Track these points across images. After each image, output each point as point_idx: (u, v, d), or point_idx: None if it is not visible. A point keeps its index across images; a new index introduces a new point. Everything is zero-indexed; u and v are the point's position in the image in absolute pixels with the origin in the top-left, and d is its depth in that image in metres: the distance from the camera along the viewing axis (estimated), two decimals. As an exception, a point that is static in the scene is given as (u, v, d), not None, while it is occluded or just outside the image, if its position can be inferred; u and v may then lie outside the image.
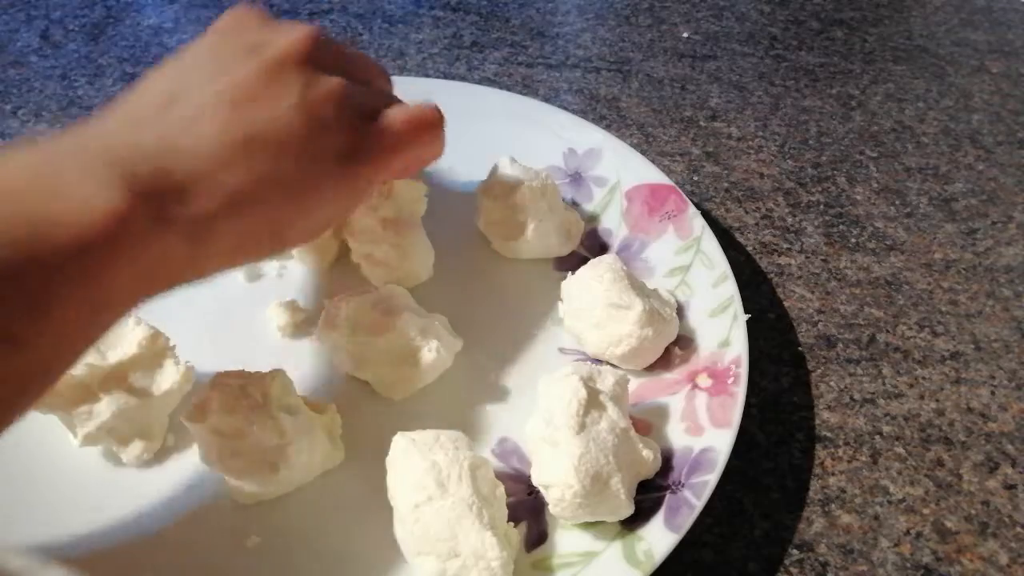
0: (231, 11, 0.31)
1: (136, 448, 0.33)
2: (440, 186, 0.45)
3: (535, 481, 0.31)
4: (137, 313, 0.34)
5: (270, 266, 0.42)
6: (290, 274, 0.41)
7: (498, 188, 0.40)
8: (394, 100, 0.33)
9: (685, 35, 0.63)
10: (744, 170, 0.51)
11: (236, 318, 0.39)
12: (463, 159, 0.45)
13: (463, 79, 0.57)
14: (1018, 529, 0.33)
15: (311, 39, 0.29)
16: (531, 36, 0.62)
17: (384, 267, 0.39)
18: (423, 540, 0.28)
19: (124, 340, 0.33)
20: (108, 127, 0.25)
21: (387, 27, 0.63)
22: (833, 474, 0.35)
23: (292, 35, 0.29)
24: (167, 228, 0.24)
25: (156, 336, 0.33)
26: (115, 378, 0.32)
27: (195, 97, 0.26)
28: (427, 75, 0.58)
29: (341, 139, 0.29)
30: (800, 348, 0.40)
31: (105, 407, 0.32)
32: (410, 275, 0.40)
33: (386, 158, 0.31)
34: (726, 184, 0.50)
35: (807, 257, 0.45)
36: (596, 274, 0.36)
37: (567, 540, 0.30)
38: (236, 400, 0.30)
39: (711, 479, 0.30)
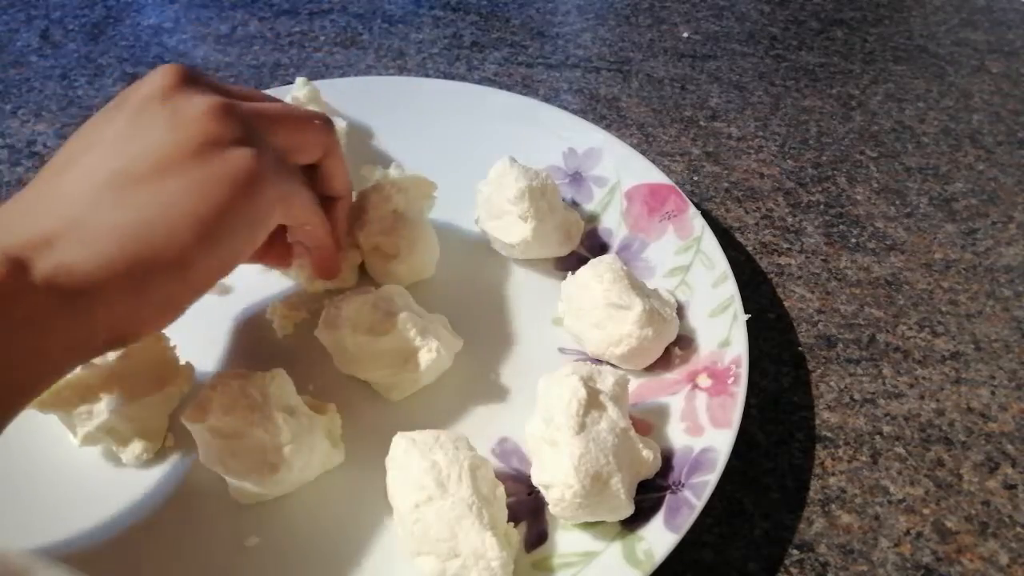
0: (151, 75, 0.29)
1: (136, 448, 0.33)
2: (440, 185, 0.45)
3: (535, 481, 0.31)
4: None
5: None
6: (291, 274, 0.41)
7: (498, 187, 0.40)
8: (281, 106, 0.32)
9: (685, 35, 0.63)
10: (744, 170, 0.51)
11: (236, 318, 0.39)
12: (463, 159, 0.45)
13: (463, 79, 0.57)
14: (1018, 529, 0.33)
15: (172, 72, 0.28)
16: (531, 36, 0.62)
17: (391, 259, 0.39)
18: (423, 540, 0.28)
19: (124, 340, 0.33)
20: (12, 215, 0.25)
21: (387, 27, 0.63)
22: (833, 474, 0.35)
23: (153, 74, 0.28)
24: (37, 285, 0.22)
25: (156, 336, 0.33)
26: (115, 378, 0.32)
27: (66, 162, 0.26)
28: (427, 75, 0.58)
29: (231, 155, 0.27)
30: (800, 348, 0.40)
31: (105, 407, 0.32)
32: (415, 269, 0.39)
33: (304, 195, 0.31)
34: (726, 184, 0.50)
35: (807, 257, 0.45)
36: (596, 274, 0.36)
37: (567, 540, 0.30)
38: (236, 400, 0.30)
39: (711, 479, 0.30)
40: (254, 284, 0.41)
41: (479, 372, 0.37)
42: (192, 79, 0.28)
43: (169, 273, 0.26)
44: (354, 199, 0.39)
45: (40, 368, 0.24)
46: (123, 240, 0.24)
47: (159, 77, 0.28)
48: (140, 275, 0.25)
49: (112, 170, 0.25)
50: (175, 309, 0.27)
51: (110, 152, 0.26)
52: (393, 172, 0.41)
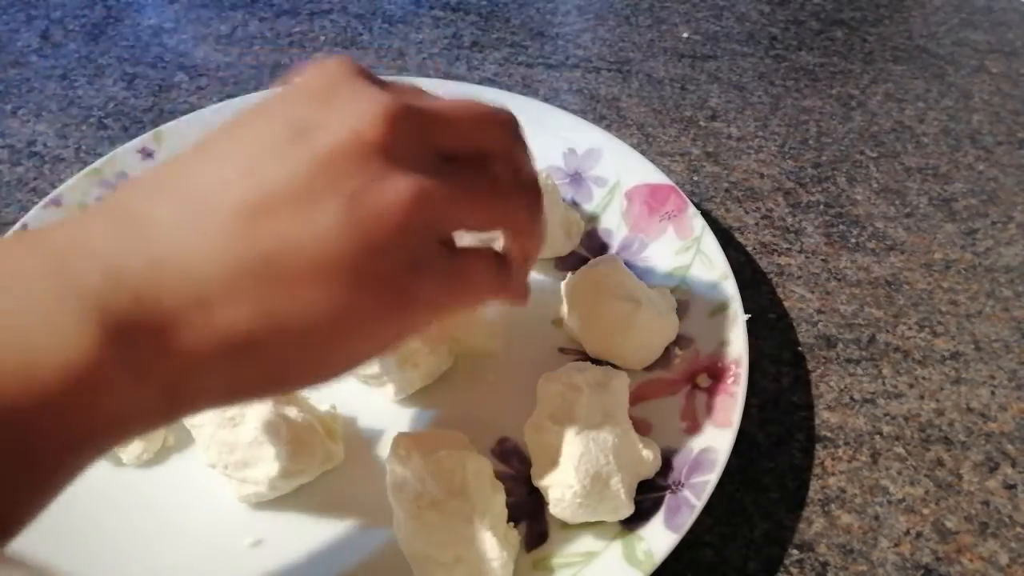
0: (316, 65, 0.23)
1: (136, 448, 0.33)
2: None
3: (535, 481, 0.31)
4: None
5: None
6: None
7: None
8: (520, 215, 0.25)
9: (685, 35, 0.63)
10: (744, 170, 0.51)
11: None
12: (463, 159, 0.45)
13: (463, 79, 0.57)
14: (1018, 529, 0.33)
15: (390, 118, 0.21)
16: (531, 36, 0.62)
17: None
18: (423, 540, 0.28)
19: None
20: (94, 235, 0.19)
21: (387, 27, 0.63)
22: (833, 474, 0.35)
23: (361, 112, 0.21)
24: (147, 371, 0.19)
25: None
26: (115, 378, 0.32)
27: (208, 200, 0.20)
28: (427, 75, 0.58)
29: (398, 275, 0.21)
30: (800, 348, 0.40)
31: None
32: None
33: (452, 304, 0.24)
34: (726, 184, 0.50)
35: (807, 257, 0.45)
36: (596, 274, 0.36)
37: (567, 540, 0.30)
38: (236, 400, 0.30)
39: (711, 479, 0.30)
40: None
41: (479, 372, 0.37)
42: (416, 122, 0.22)
43: (262, 379, 0.21)
44: None
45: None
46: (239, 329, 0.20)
47: (370, 117, 0.21)
48: (265, 386, 0.22)
49: (262, 256, 0.20)
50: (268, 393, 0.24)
51: (264, 215, 0.20)
52: None
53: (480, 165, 0.24)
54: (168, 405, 0.20)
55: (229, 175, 0.20)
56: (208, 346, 0.19)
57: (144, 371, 0.19)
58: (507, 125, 0.25)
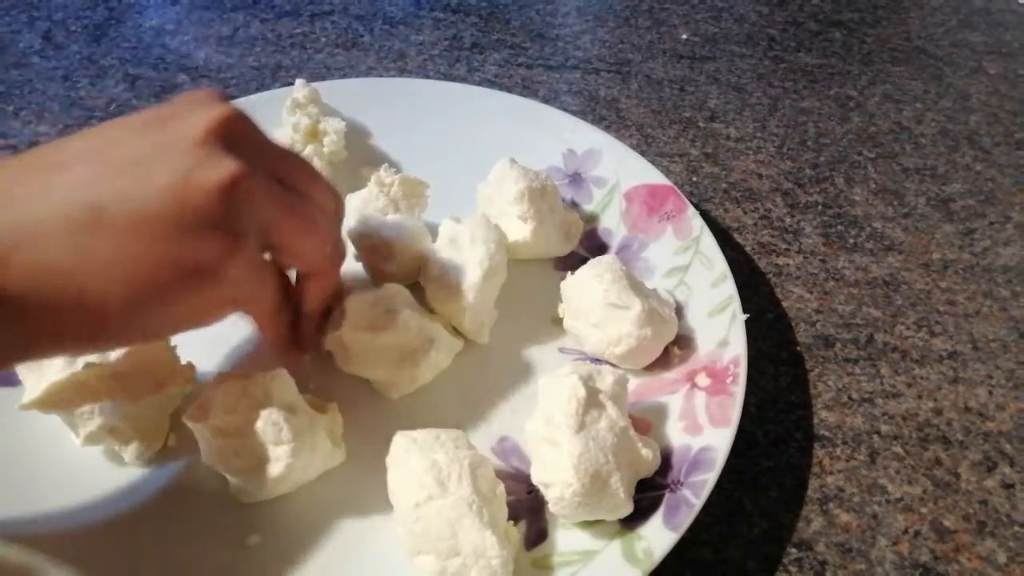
0: (183, 94, 0.27)
1: (137, 448, 0.33)
2: (440, 187, 0.45)
3: (535, 480, 0.31)
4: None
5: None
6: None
7: (498, 188, 0.40)
8: (320, 226, 0.29)
9: (684, 37, 0.63)
10: (743, 171, 0.51)
11: (236, 318, 0.40)
12: (463, 160, 0.45)
13: (463, 81, 0.57)
14: (1016, 528, 0.33)
15: (235, 116, 0.25)
16: (531, 38, 0.62)
17: (385, 259, 0.39)
18: (423, 539, 0.28)
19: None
20: None
21: (388, 29, 0.63)
22: (831, 473, 0.35)
23: (212, 110, 0.25)
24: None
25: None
26: (116, 378, 0.33)
27: (65, 161, 0.23)
28: (427, 77, 0.58)
29: (212, 249, 0.24)
30: (798, 348, 0.40)
31: (106, 407, 0.32)
32: (412, 269, 0.39)
33: (263, 299, 0.28)
34: (725, 185, 0.50)
35: (805, 257, 0.45)
36: (596, 274, 0.36)
37: (567, 539, 0.31)
38: (237, 400, 0.30)
39: (710, 478, 0.31)
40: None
41: (479, 371, 0.37)
42: (248, 129, 0.26)
43: (83, 325, 0.24)
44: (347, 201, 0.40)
45: None
46: (61, 272, 0.23)
47: (213, 114, 0.25)
48: (83, 333, 0.24)
49: (91, 205, 0.23)
50: (81, 349, 0.26)
51: (107, 174, 0.23)
52: (383, 173, 0.41)
53: (307, 195, 0.29)
54: (7, 346, 0.23)
55: (90, 146, 0.24)
56: (34, 280, 0.22)
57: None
58: (320, 181, 0.30)
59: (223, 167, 0.24)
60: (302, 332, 0.33)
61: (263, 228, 0.27)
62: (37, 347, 0.24)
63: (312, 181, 0.29)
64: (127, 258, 0.23)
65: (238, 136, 0.25)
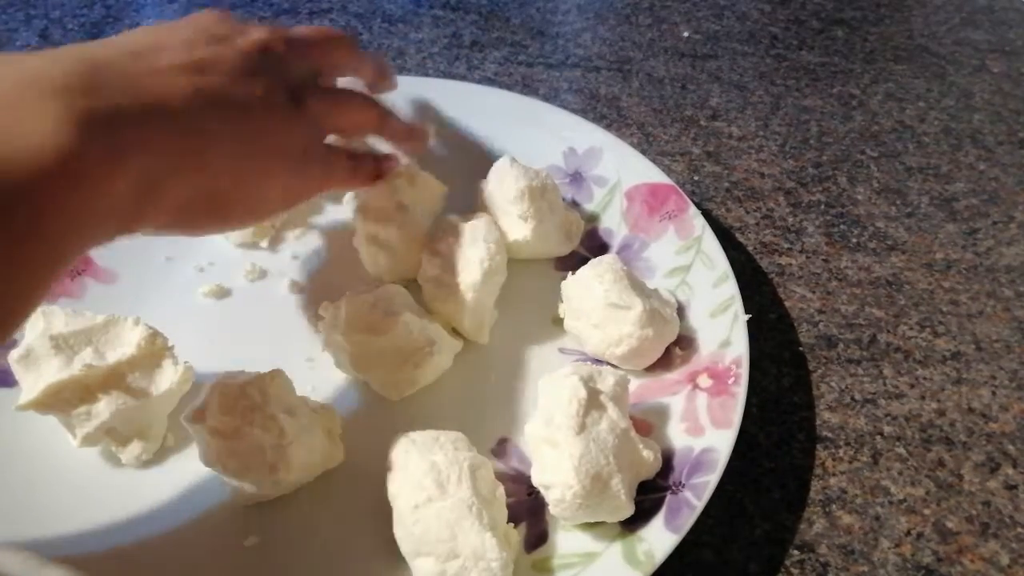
0: (200, 12, 0.32)
1: (135, 448, 0.33)
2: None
3: (535, 481, 0.30)
4: (137, 314, 0.34)
5: (272, 264, 0.42)
6: (291, 274, 0.41)
7: (498, 187, 0.40)
8: (389, 125, 0.37)
9: (685, 34, 0.63)
10: (745, 170, 0.51)
11: (236, 319, 0.39)
12: (463, 159, 0.45)
13: (463, 79, 0.57)
14: (1019, 530, 0.33)
15: (276, 36, 0.32)
16: (531, 36, 0.62)
17: (386, 250, 0.39)
18: (423, 541, 0.28)
19: (123, 340, 0.33)
20: (67, 63, 0.24)
21: (387, 27, 0.63)
22: (834, 474, 0.35)
23: (258, 30, 0.32)
24: (117, 172, 0.23)
25: (154, 336, 0.33)
26: (114, 378, 0.32)
27: (163, 58, 0.27)
28: (427, 75, 0.57)
29: (306, 136, 0.30)
30: (801, 348, 0.40)
31: (104, 408, 0.32)
32: (411, 266, 0.39)
33: (347, 175, 0.35)
34: (727, 184, 0.50)
35: (808, 257, 0.45)
36: (596, 274, 0.36)
37: (567, 541, 0.30)
38: (236, 400, 0.30)
39: (712, 479, 0.30)
40: (253, 286, 0.41)
41: (479, 372, 0.37)
42: (295, 40, 0.34)
43: (210, 199, 0.29)
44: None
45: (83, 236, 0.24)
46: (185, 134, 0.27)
47: (264, 34, 0.32)
48: (209, 210, 0.29)
49: (213, 101, 0.27)
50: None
51: (209, 77, 0.28)
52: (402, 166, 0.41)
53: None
54: (136, 206, 0.25)
55: (174, 47, 0.28)
56: (166, 158, 0.25)
57: (117, 162, 0.23)
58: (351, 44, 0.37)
59: (256, 32, 0.32)
60: (413, 134, 0.40)
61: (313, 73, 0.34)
62: (167, 215, 0.27)
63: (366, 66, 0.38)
64: (245, 152, 0.29)
65: (294, 49, 0.33)
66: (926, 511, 0.34)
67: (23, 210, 0.21)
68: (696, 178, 0.50)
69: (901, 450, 0.36)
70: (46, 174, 0.21)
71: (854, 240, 0.46)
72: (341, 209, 0.44)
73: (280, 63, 0.32)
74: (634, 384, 0.35)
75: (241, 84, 0.29)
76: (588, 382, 0.31)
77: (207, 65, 0.28)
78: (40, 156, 0.21)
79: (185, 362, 0.34)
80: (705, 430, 0.33)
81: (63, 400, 0.32)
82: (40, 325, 0.33)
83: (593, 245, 0.43)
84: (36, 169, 0.21)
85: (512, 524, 0.30)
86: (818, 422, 0.37)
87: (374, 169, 0.38)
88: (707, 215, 0.45)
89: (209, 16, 0.32)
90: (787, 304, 0.42)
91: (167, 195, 0.26)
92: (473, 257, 0.36)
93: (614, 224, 0.43)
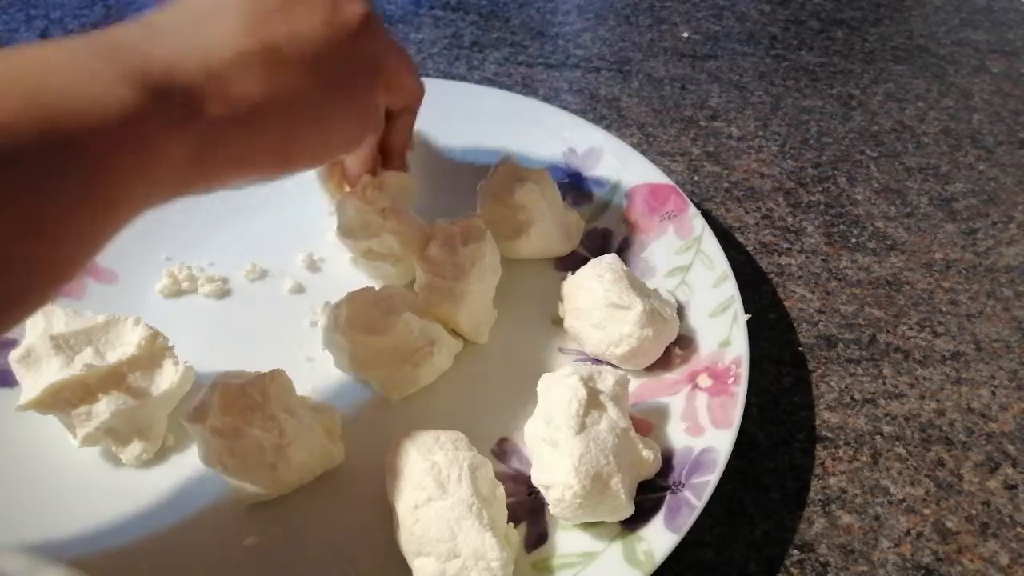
0: None
1: (135, 448, 0.33)
2: (440, 185, 0.45)
3: (535, 481, 0.30)
4: (137, 314, 0.34)
5: (272, 264, 0.42)
6: (291, 274, 0.41)
7: (498, 188, 0.40)
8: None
9: (685, 35, 0.63)
10: (744, 170, 0.51)
11: (236, 319, 0.39)
12: (463, 159, 0.45)
13: (463, 79, 0.57)
14: (1019, 529, 0.33)
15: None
16: (531, 36, 0.62)
17: (387, 259, 0.39)
18: (423, 540, 0.28)
19: (123, 340, 0.33)
20: (124, 32, 0.25)
21: (387, 27, 0.63)
22: (834, 474, 0.35)
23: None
24: (179, 129, 0.23)
25: (155, 336, 0.33)
26: (114, 378, 0.32)
27: (215, 6, 0.26)
28: (427, 75, 0.57)
29: (362, 65, 0.29)
30: (800, 348, 0.40)
31: (104, 407, 0.32)
32: (411, 267, 0.39)
33: (399, 85, 0.34)
34: (726, 184, 0.50)
35: (807, 257, 0.45)
36: (596, 274, 0.36)
37: (567, 540, 0.30)
38: (236, 400, 0.30)
39: (711, 479, 0.30)
40: (253, 286, 0.41)
41: (479, 372, 0.37)
42: None
43: (272, 151, 0.28)
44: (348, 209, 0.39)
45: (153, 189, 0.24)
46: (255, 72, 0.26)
47: None
48: (274, 157, 0.28)
49: (266, 44, 0.26)
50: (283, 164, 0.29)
51: (264, 14, 0.26)
52: (369, 192, 0.41)
53: None
54: (197, 166, 0.25)
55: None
56: (226, 110, 0.25)
57: (177, 126, 0.23)
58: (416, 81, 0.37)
59: (357, 6, 0.29)
60: (396, 157, 0.39)
61: (383, 59, 0.32)
62: (232, 170, 0.27)
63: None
64: (306, 91, 0.27)
65: None
66: (926, 511, 0.34)
67: (77, 169, 0.21)
68: (696, 178, 0.50)
69: (901, 450, 0.36)
70: (103, 134, 0.21)
71: (854, 240, 0.46)
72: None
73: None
74: (634, 384, 0.35)
75: (301, 19, 0.28)
76: (588, 382, 0.31)
77: (264, 4, 0.27)
78: (98, 117, 0.21)
79: (185, 362, 0.34)
80: (705, 430, 0.33)
81: (63, 400, 0.32)
82: (40, 325, 0.33)
83: (593, 245, 0.43)
84: (92, 130, 0.21)
85: (512, 524, 0.30)
86: (818, 422, 0.37)
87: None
88: (707, 215, 0.45)
89: None
90: (787, 304, 0.42)
91: (226, 152, 0.26)
92: (465, 258, 0.36)
93: (614, 224, 0.43)
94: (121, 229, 0.23)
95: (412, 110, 0.38)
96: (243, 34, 0.26)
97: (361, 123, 0.32)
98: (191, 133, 0.24)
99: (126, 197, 0.23)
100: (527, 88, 0.57)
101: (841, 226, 0.47)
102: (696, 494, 0.30)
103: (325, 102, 0.28)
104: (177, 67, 0.24)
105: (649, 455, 0.31)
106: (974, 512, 0.34)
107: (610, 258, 0.37)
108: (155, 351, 0.33)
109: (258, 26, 0.26)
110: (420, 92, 0.37)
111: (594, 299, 0.35)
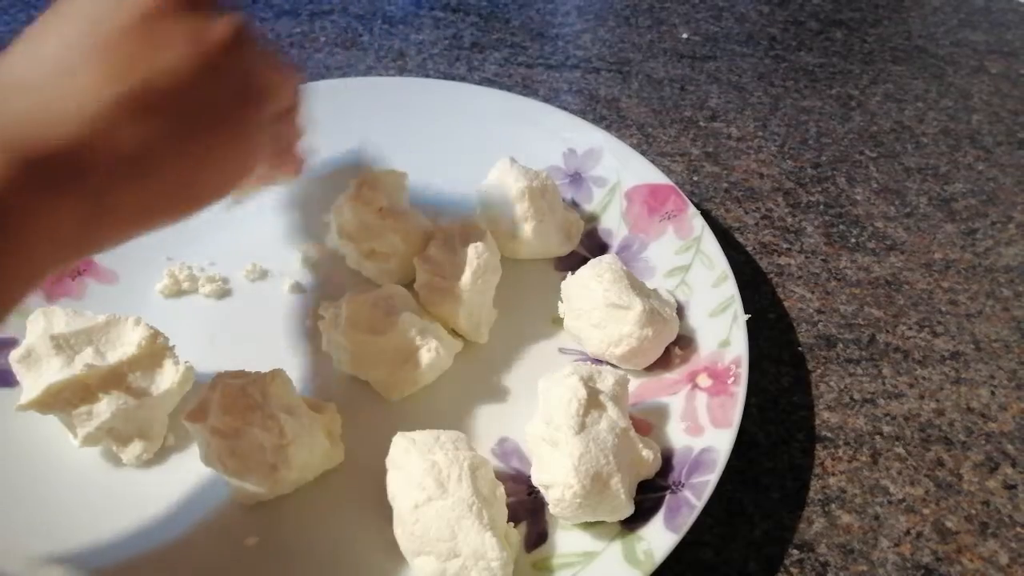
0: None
1: (136, 448, 0.33)
2: (440, 186, 0.45)
3: (535, 481, 0.31)
4: (137, 314, 0.34)
5: (272, 264, 0.42)
6: (291, 274, 0.41)
7: (498, 188, 0.40)
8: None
9: (685, 36, 0.63)
10: (744, 170, 0.51)
11: (236, 319, 0.39)
12: (463, 159, 0.45)
13: (463, 80, 0.57)
14: (1018, 529, 0.33)
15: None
16: (531, 37, 0.62)
17: (391, 258, 0.39)
18: (423, 540, 0.28)
19: (123, 340, 0.33)
20: None
21: (387, 28, 0.63)
22: (833, 474, 0.35)
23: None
24: (62, 195, 0.22)
25: (155, 336, 0.33)
26: (114, 378, 0.32)
27: (70, 54, 0.25)
28: (427, 76, 0.58)
29: (240, 86, 0.27)
30: (800, 348, 0.40)
31: (105, 407, 0.32)
32: (412, 266, 0.39)
33: (276, 93, 0.31)
34: (726, 184, 0.50)
35: (807, 257, 0.45)
36: (596, 274, 0.36)
37: (567, 540, 0.30)
38: (236, 400, 0.30)
39: (711, 479, 0.30)
40: (253, 286, 0.41)
41: (479, 372, 0.37)
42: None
43: (168, 197, 0.26)
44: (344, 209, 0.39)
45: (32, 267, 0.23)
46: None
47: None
48: (176, 202, 0.26)
49: (131, 89, 0.24)
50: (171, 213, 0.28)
51: (120, 57, 0.24)
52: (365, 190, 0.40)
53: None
54: (95, 225, 0.24)
55: (79, 32, 0.25)
56: (111, 165, 0.23)
57: (60, 191, 0.22)
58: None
59: (220, 25, 0.26)
60: (288, 155, 0.36)
61: (256, 74, 0.29)
62: (137, 221, 0.26)
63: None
64: (188, 127, 0.26)
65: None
66: (925, 510, 0.34)
67: None
68: (695, 178, 0.50)
69: (900, 450, 0.36)
70: None
71: (853, 240, 0.46)
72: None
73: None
74: (634, 384, 0.35)
75: (160, 54, 0.25)
76: (588, 382, 0.31)
77: (118, 46, 0.25)
78: None
79: (185, 362, 0.34)
80: (704, 430, 0.33)
81: (64, 400, 0.32)
82: (41, 325, 0.33)
83: (593, 245, 0.43)
84: None
85: (512, 523, 0.30)
86: (817, 422, 0.37)
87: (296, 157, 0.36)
88: (706, 215, 0.45)
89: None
90: (786, 304, 0.42)
91: (124, 206, 0.25)
92: (464, 257, 0.36)
93: (614, 224, 0.43)
94: (31, 291, 0.23)
95: (294, 107, 0.35)
96: (110, 82, 0.24)
97: (253, 144, 0.29)
98: (75, 196, 0.23)
99: (24, 263, 0.22)
100: (527, 89, 0.57)
101: (840, 226, 0.47)
102: (696, 494, 0.30)
103: (210, 135, 0.26)
104: (48, 132, 0.23)
105: (649, 455, 0.31)
106: (974, 512, 0.34)
107: (610, 258, 0.37)
108: (155, 351, 0.34)
109: (124, 71, 0.24)
110: (298, 90, 0.34)
111: (594, 299, 0.35)
